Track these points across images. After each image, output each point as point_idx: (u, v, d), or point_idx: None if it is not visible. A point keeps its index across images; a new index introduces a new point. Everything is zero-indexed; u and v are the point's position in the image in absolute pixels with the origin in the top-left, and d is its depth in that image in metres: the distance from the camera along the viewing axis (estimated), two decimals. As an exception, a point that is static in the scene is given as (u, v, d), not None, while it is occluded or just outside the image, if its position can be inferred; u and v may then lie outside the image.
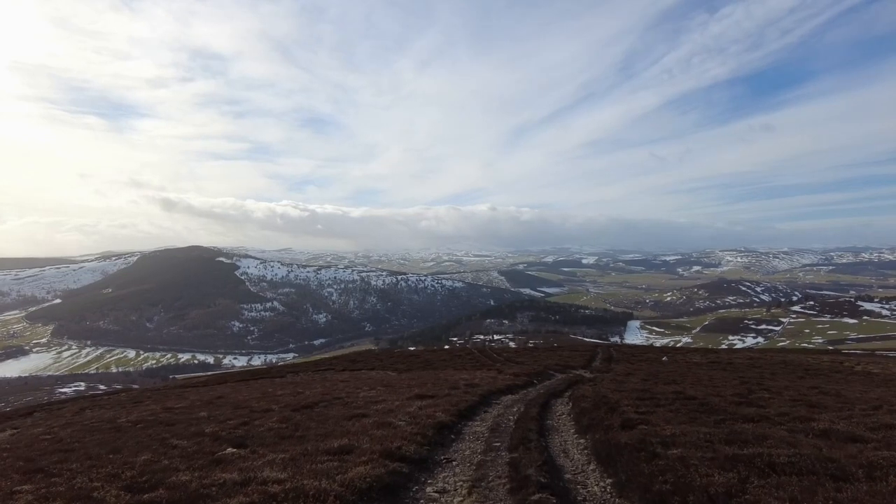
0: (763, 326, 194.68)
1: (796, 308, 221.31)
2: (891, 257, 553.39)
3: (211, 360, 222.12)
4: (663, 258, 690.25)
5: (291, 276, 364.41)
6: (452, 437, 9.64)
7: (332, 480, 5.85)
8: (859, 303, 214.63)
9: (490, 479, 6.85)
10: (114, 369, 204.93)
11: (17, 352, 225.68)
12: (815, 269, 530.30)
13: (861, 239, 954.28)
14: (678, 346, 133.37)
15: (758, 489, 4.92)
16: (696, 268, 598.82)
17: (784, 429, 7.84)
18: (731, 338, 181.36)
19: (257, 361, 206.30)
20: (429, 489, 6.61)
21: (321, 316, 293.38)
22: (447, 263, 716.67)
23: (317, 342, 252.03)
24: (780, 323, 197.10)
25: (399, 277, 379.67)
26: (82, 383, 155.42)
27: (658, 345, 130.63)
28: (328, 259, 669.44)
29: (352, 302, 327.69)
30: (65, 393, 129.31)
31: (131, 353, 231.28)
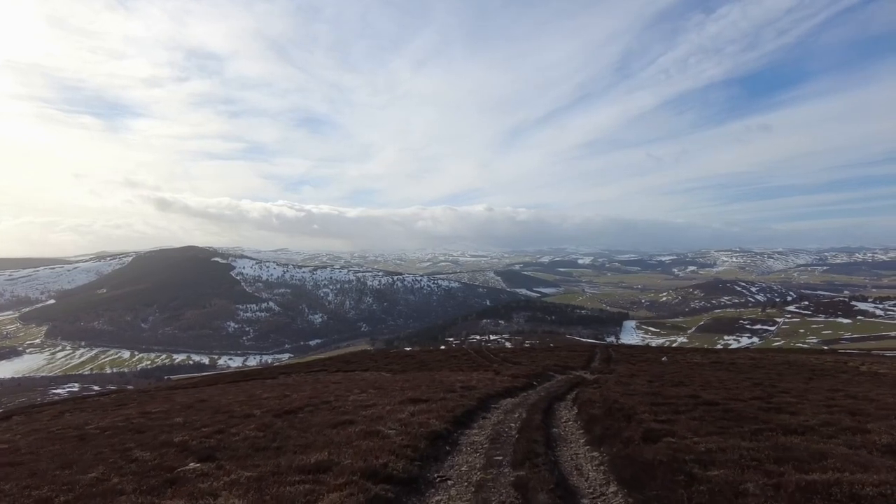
0: (758, 326, 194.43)
1: (791, 308, 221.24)
2: (884, 258, 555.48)
3: (206, 360, 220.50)
4: (659, 258, 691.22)
5: (287, 276, 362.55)
6: (448, 448, 8.61)
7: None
8: (853, 303, 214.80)
9: (493, 505, 5.79)
10: (108, 370, 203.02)
11: (11, 353, 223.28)
12: (809, 269, 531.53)
13: (855, 239, 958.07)
14: (674, 346, 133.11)
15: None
16: (691, 268, 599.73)
17: (839, 443, 6.70)
18: (726, 338, 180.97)
19: (253, 362, 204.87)
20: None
21: (317, 316, 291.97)
22: (443, 264, 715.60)
23: (313, 342, 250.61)
24: (775, 323, 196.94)
25: (395, 278, 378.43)
26: (76, 384, 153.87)
27: (654, 345, 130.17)
28: (324, 259, 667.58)
29: (348, 302, 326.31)
30: (58, 394, 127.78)
31: (126, 354, 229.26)
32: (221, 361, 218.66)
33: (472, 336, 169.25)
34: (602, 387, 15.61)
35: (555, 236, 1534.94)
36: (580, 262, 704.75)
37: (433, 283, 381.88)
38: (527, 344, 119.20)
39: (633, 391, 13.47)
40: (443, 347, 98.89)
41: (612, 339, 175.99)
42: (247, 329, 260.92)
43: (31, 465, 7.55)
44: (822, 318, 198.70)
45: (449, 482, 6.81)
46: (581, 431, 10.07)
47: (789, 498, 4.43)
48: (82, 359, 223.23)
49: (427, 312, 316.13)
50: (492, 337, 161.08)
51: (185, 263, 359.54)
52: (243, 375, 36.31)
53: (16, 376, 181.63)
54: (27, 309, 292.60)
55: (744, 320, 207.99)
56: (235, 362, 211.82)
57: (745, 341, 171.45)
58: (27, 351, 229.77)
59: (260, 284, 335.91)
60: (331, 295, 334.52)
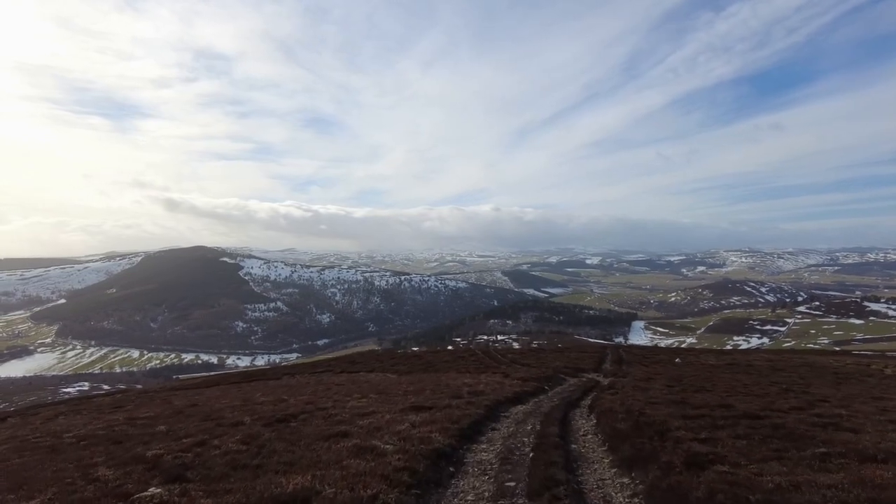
0: (768, 327, 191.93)
1: (802, 308, 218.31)
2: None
3: (215, 360, 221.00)
4: (667, 258, 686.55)
5: (295, 276, 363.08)
6: (451, 469, 7.49)
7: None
8: (865, 303, 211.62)
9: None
10: (118, 369, 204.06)
11: (22, 352, 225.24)
12: (820, 269, 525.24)
13: (866, 239, 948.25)
14: (683, 346, 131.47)
15: None
16: (700, 268, 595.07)
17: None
18: (735, 338, 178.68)
19: (261, 362, 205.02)
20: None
21: (325, 316, 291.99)
22: (450, 264, 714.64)
23: (320, 342, 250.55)
24: (785, 323, 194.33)
25: (402, 278, 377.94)
26: (86, 383, 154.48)
27: (663, 345, 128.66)
28: (331, 259, 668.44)
29: (355, 302, 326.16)
30: (69, 393, 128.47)
31: (135, 353, 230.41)
32: (230, 361, 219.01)
33: (480, 336, 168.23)
34: (619, 392, 14.48)
35: (562, 236, 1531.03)
36: (588, 262, 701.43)
37: (440, 284, 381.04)
38: (535, 344, 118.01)
39: (656, 398, 12.42)
40: (450, 348, 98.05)
41: (620, 339, 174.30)
42: (255, 329, 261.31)
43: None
44: (833, 318, 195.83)
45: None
46: (604, 449, 8.83)
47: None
48: (92, 358, 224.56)
49: (434, 312, 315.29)
50: (499, 337, 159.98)
51: (193, 263, 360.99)
52: (247, 376, 35.70)
53: (27, 375, 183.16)
54: (38, 308, 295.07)
55: (753, 321, 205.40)
56: (244, 362, 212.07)
57: (755, 342, 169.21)
58: (38, 350, 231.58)
59: (268, 284, 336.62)
60: (338, 295, 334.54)
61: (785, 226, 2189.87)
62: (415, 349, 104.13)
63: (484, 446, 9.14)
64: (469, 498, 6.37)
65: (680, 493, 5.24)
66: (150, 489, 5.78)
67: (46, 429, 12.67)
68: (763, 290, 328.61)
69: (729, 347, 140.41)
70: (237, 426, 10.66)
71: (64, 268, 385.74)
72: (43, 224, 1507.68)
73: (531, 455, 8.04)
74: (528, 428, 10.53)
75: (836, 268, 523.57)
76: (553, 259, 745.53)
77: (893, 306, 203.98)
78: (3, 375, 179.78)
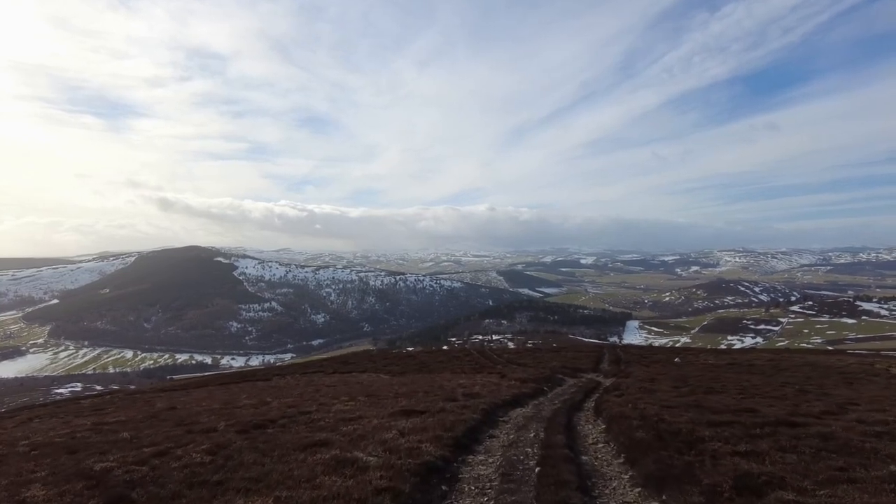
0: (762, 326, 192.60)
1: (795, 308, 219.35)
2: (888, 258, 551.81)
3: (209, 360, 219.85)
4: (662, 258, 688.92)
5: (290, 276, 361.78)
6: (444, 488, 6.44)
7: None
8: (858, 303, 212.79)
9: None
10: (111, 370, 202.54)
11: (14, 352, 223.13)
12: (813, 269, 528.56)
13: (859, 239, 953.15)
14: (678, 346, 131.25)
15: None
16: (694, 268, 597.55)
17: None
18: (730, 338, 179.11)
19: (255, 362, 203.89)
20: None
21: (319, 316, 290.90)
22: (446, 264, 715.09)
23: (315, 342, 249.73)
24: (778, 323, 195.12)
25: (397, 278, 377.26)
26: (79, 384, 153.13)
27: (657, 344, 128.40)
28: (326, 259, 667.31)
29: (350, 302, 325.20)
30: (61, 394, 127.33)
31: (129, 354, 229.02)
32: (224, 361, 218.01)
33: (475, 336, 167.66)
34: (626, 394, 13.54)
35: (557, 236, 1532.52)
36: (583, 262, 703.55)
37: (435, 283, 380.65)
38: (530, 344, 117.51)
39: (668, 401, 11.39)
40: (445, 348, 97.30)
41: (615, 339, 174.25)
42: (249, 329, 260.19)
43: None
44: (826, 318, 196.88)
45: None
46: (621, 461, 7.63)
47: None
48: (85, 358, 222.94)
49: (429, 312, 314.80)
50: (494, 337, 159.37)
51: (187, 263, 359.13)
52: (236, 377, 35.02)
53: (19, 376, 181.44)
54: (30, 309, 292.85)
55: (747, 320, 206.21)
56: (238, 362, 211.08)
57: (748, 341, 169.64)
58: (30, 351, 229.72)
59: (262, 284, 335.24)
60: (333, 295, 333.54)
61: (780, 225, 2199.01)
62: (410, 349, 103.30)
63: (482, 457, 8.11)
64: (465, 530, 5.12)
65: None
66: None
67: (8, 435, 11.76)
68: (757, 289, 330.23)
69: (723, 347, 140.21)
70: (209, 433, 9.79)
71: (57, 268, 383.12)
72: (36, 224, 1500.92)
73: (537, 470, 6.92)
74: (531, 435, 9.49)
75: (828, 268, 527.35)
76: (548, 259, 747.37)
77: (885, 306, 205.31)
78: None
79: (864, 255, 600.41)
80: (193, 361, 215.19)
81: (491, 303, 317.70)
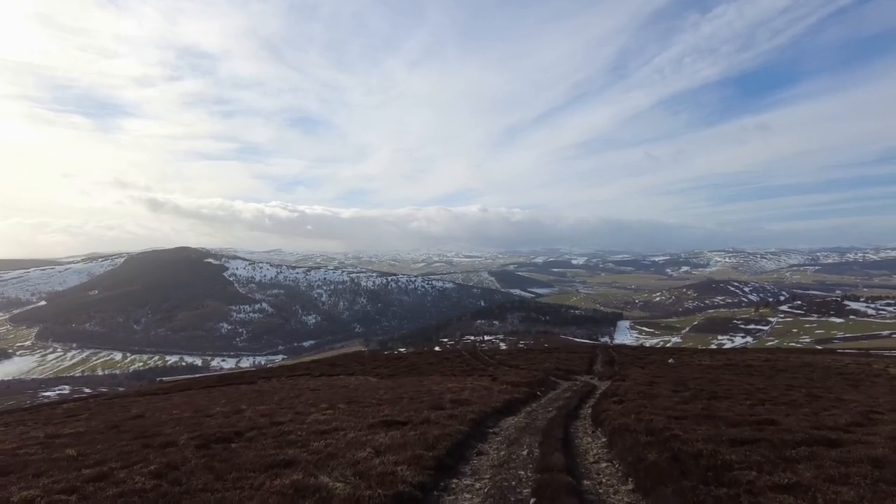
0: (752, 326, 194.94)
1: (784, 308, 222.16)
2: (875, 257, 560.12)
3: (199, 362, 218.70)
4: (652, 259, 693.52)
5: (280, 277, 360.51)
6: None
7: None
8: (846, 302, 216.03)
9: None
10: (100, 372, 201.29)
11: (1, 355, 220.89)
12: (801, 269, 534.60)
13: (847, 240, 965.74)
14: (668, 345, 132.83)
15: None
16: (684, 268, 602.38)
17: None
18: (720, 337, 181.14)
19: (246, 363, 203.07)
20: None
21: (311, 317, 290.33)
22: (437, 264, 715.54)
23: (306, 344, 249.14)
24: (768, 322, 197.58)
25: (389, 278, 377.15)
26: (66, 387, 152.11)
27: (648, 345, 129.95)
28: (318, 260, 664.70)
29: (342, 303, 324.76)
30: (48, 397, 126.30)
31: (118, 356, 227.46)
32: (214, 363, 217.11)
33: (467, 337, 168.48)
34: (626, 401, 12.73)
35: (549, 237, 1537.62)
36: (574, 262, 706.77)
37: (427, 284, 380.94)
38: (521, 345, 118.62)
39: (672, 409, 10.54)
40: (437, 348, 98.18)
41: (606, 339, 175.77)
42: (240, 330, 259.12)
43: None
44: (814, 317, 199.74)
45: None
46: (629, 488, 6.55)
47: None
48: (73, 361, 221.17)
49: (421, 313, 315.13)
50: (486, 337, 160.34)
51: (177, 264, 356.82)
52: (221, 380, 34.84)
53: (5, 378, 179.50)
54: (17, 311, 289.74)
55: (737, 320, 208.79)
56: (228, 364, 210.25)
57: (738, 341, 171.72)
58: (17, 353, 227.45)
59: (253, 285, 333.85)
60: (324, 296, 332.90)
61: (770, 226, 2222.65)
62: (401, 350, 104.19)
63: (468, 482, 7.00)
64: None
65: None
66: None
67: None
68: (746, 289, 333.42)
69: (714, 346, 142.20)
70: (166, 448, 9.13)
71: (44, 269, 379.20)
72: (23, 225, 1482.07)
73: (532, 502, 5.91)
74: (524, 453, 8.34)
75: (816, 268, 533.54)
76: (539, 259, 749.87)
77: (872, 305, 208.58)
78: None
79: (851, 256, 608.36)
80: (184, 363, 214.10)
81: (483, 303, 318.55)
